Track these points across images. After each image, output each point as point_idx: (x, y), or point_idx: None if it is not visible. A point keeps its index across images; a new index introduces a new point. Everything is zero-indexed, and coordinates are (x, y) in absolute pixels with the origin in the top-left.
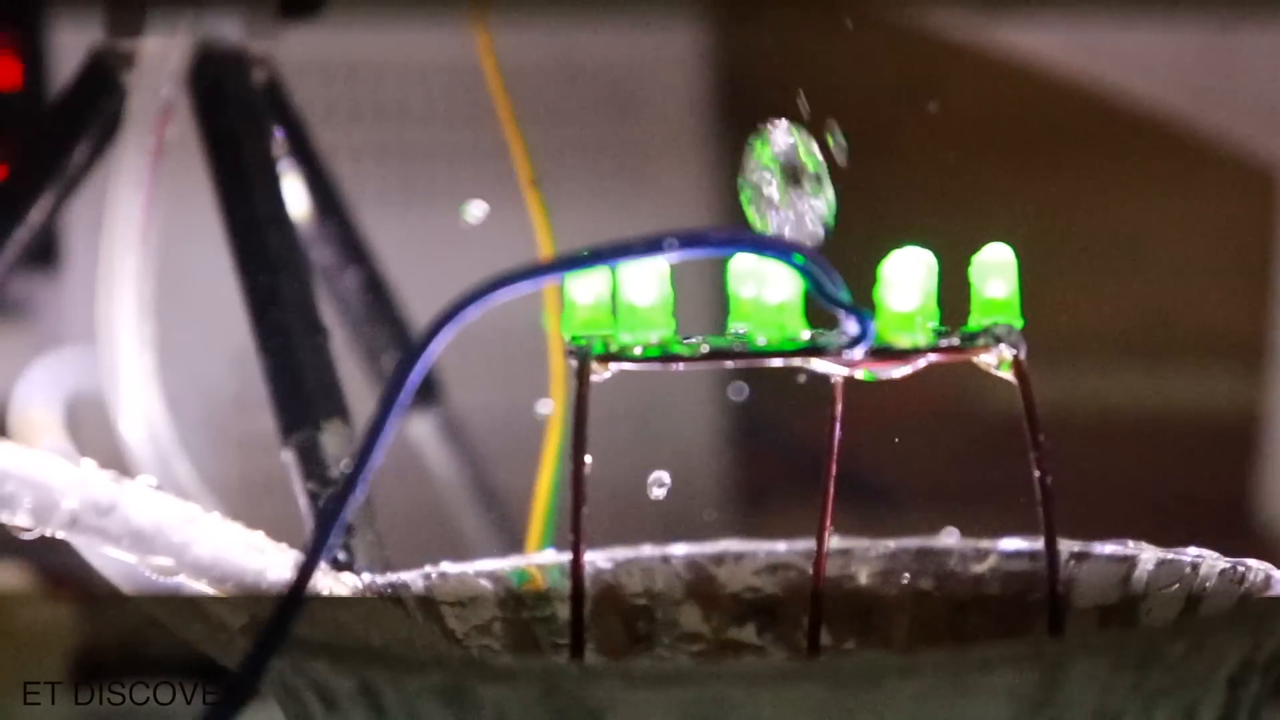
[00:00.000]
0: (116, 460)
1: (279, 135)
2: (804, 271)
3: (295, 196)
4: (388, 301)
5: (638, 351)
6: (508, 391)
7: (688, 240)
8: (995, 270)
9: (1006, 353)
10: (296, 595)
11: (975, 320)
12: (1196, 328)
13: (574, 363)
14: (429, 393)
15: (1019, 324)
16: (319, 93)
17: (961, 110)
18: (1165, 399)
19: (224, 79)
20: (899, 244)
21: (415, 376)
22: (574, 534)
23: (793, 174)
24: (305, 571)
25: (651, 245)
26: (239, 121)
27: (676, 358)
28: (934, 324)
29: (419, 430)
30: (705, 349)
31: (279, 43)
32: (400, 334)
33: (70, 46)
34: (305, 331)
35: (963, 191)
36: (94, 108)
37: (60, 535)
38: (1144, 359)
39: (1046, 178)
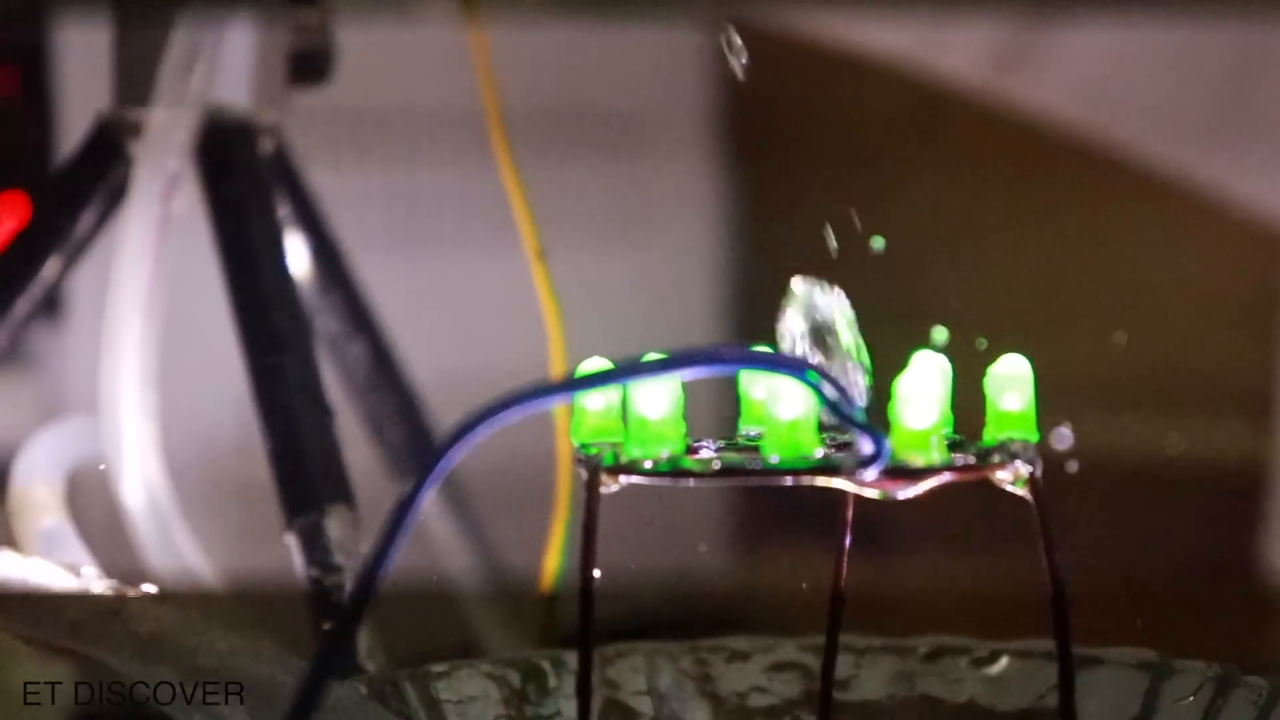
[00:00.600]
0: (117, 527)
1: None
2: (818, 390)
3: (301, 265)
4: (393, 371)
5: (648, 466)
6: (516, 464)
7: (701, 359)
8: (1011, 383)
9: (1023, 469)
10: (305, 708)
11: (990, 433)
12: (1203, 378)
13: (583, 472)
14: (429, 457)
15: (1034, 437)
16: (325, 139)
17: (970, 154)
18: (1171, 448)
19: (231, 150)
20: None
21: (425, 495)
22: (581, 647)
23: (820, 340)
24: (315, 682)
25: (665, 365)
26: (246, 194)
27: (688, 474)
28: (948, 432)
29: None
30: (717, 465)
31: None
32: (406, 403)
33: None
34: (310, 412)
35: (971, 235)
36: (101, 174)
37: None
38: (1150, 408)
39: (1055, 223)
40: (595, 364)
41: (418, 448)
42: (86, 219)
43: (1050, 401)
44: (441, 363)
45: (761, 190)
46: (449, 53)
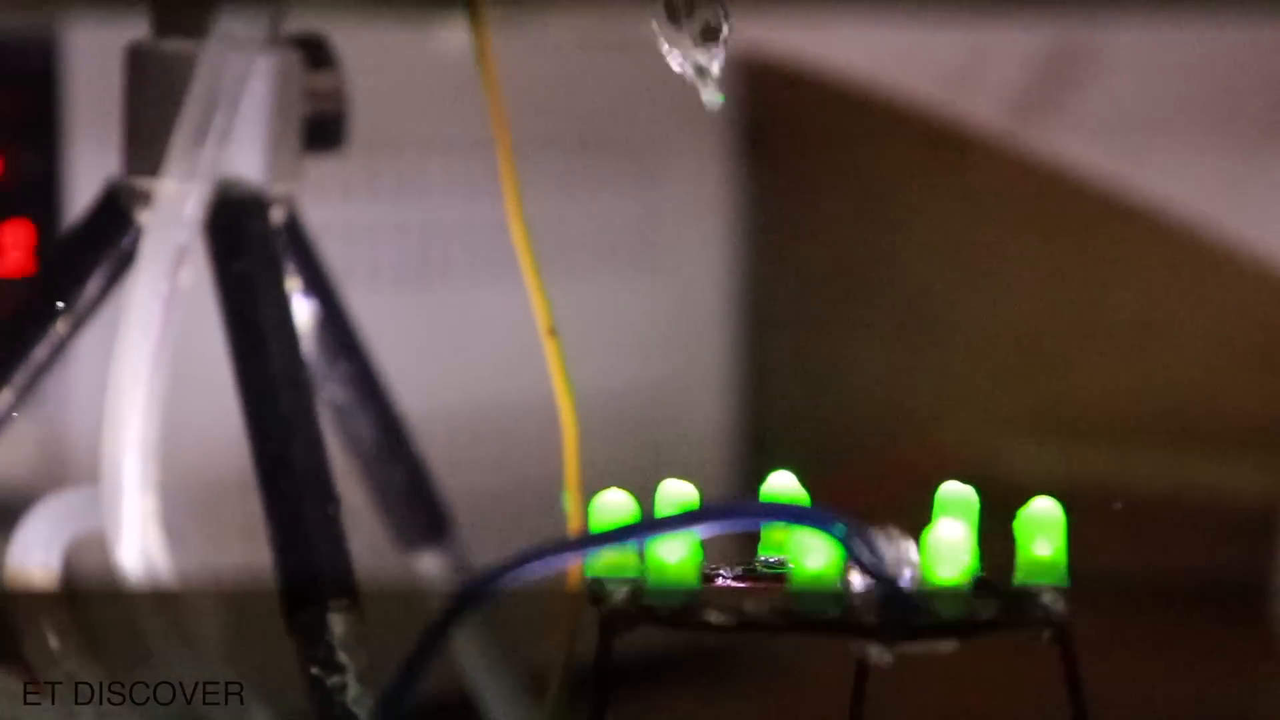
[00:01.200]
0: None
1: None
2: (847, 546)
3: (310, 335)
4: (402, 441)
5: (666, 613)
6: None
7: (726, 513)
8: (1042, 527)
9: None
10: None
11: (1020, 577)
12: (1216, 413)
13: (597, 613)
14: (438, 527)
15: (1065, 582)
16: (335, 168)
17: (989, 189)
18: (1182, 483)
19: (243, 225)
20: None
21: (435, 655)
22: None
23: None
24: None
25: (690, 519)
26: (256, 272)
27: (706, 626)
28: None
29: (426, 568)
30: (734, 619)
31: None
32: (414, 474)
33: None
34: (316, 501)
35: (986, 268)
36: (108, 241)
37: None
38: (1161, 442)
39: (1071, 259)
40: (613, 498)
41: (425, 520)
42: (92, 286)
43: (1063, 436)
44: (451, 395)
45: (774, 217)
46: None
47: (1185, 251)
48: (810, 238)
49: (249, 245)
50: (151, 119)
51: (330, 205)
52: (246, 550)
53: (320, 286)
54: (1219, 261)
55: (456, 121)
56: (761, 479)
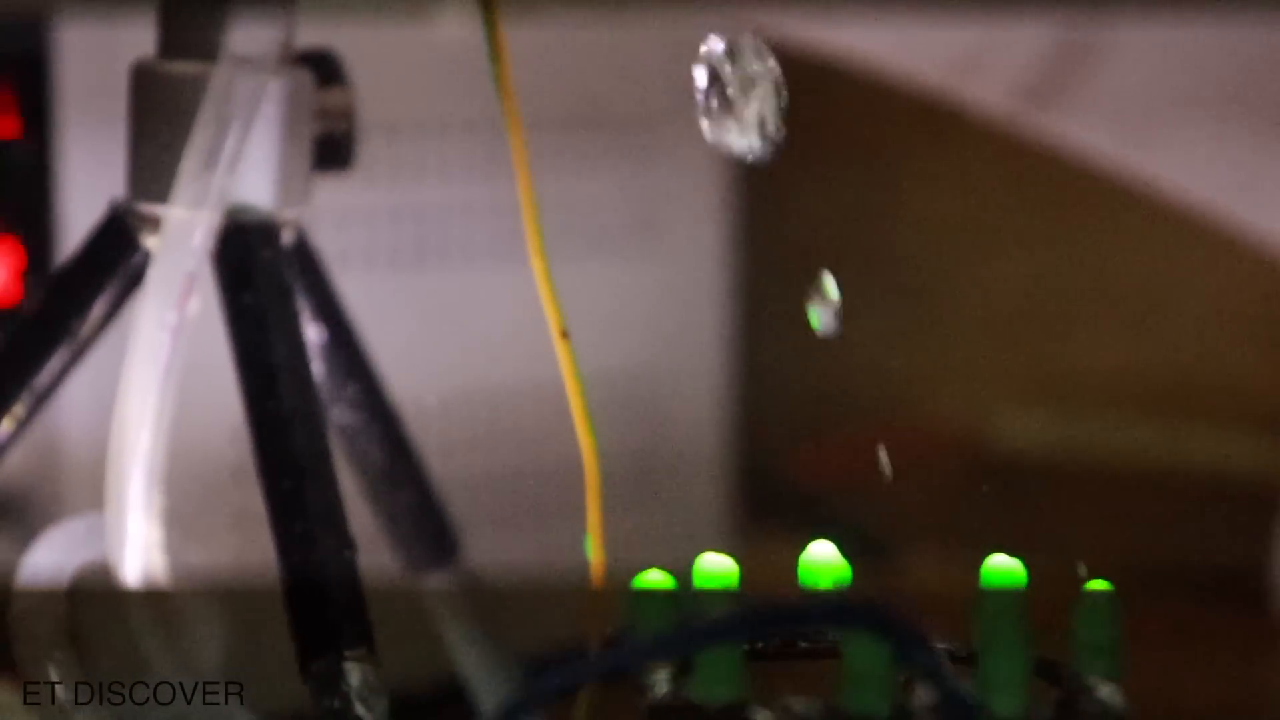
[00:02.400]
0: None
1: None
2: (892, 641)
3: (318, 358)
4: (411, 463)
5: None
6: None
7: (760, 621)
8: (1096, 614)
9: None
10: None
11: (1077, 663)
12: (1216, 388)
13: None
14: (446, 550)
15: (1118, 674)
16: None
17: (991, 168)
18: (1181, 456)
19: (252, 254)
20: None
21: None
22: None
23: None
24: None
25: (723, 630)
26: (266, 301)
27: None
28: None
29: (434, 590)
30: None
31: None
32: (422, 496)
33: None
34: (332, 547)
35: (985, 244)
36: (113, 266)
37: None
38: (1161, 414)
39: (1070, 232)
40: (651, 578)
41: (434, 542)
42: (96, 312)
43: (1062, 410)
44: (448, 379)
45: (772, 192)
46: (459, 61)
47: (1186, 225)
48: (807, 211)
49: (259, 275)
50: (158, 142)
51: (325, 189)
52: (241, 543)
53: (329, 308)
54: (1220, 236)
55: (452, 104)
56: (757, 456)
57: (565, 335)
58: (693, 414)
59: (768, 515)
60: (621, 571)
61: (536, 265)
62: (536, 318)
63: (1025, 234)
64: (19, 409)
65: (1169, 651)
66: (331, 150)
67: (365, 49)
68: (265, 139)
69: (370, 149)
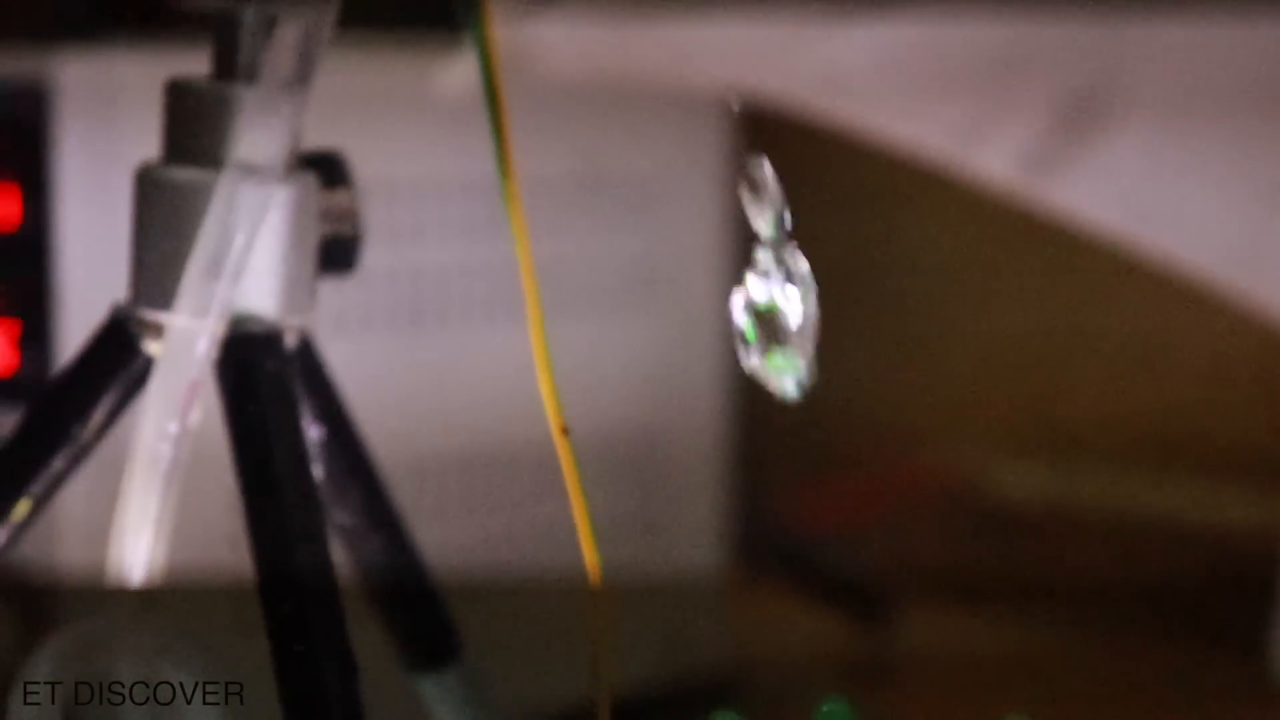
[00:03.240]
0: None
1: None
2: None
3: (319, 460)
4: (412, 565)
5: None
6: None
7: None
8: None
9: None
10: None
11: None
12: (1211, 440)
13: None
14: (447, 651)
15: None
16: None
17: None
18: (1179, 509)
19: (256, 363)
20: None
21: None
22: None
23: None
24: None
25: None
26: (270, 413)
27: None
28: None
29: (430, 694)
30: None
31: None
32: (424, 598)
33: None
34: (335, 671)
35: (980, 283)
36: (113, 372)
37: None
38: (1159, 467)
39: (1068, 277)
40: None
41: (434, 644)
42: (97, 416)
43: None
44: (443, 439)
45: None
46: (458, 119)
47: (1185, 284)
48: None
49: (262, 387)
50: (161, 248)
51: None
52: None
53: (332, 411)
54: (1218, 296)
55: (449, 163)
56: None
57: (566, 432)
58: (689, 464)
59: (762, 562)
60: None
61: (536, 343)
62: (533, 379)
63: (1025, 282)
64: (18, 513)
65: (1165, 703)
66: (336, 252)
67: (363, 105)
68: (270, 246)
69: (368, 208)
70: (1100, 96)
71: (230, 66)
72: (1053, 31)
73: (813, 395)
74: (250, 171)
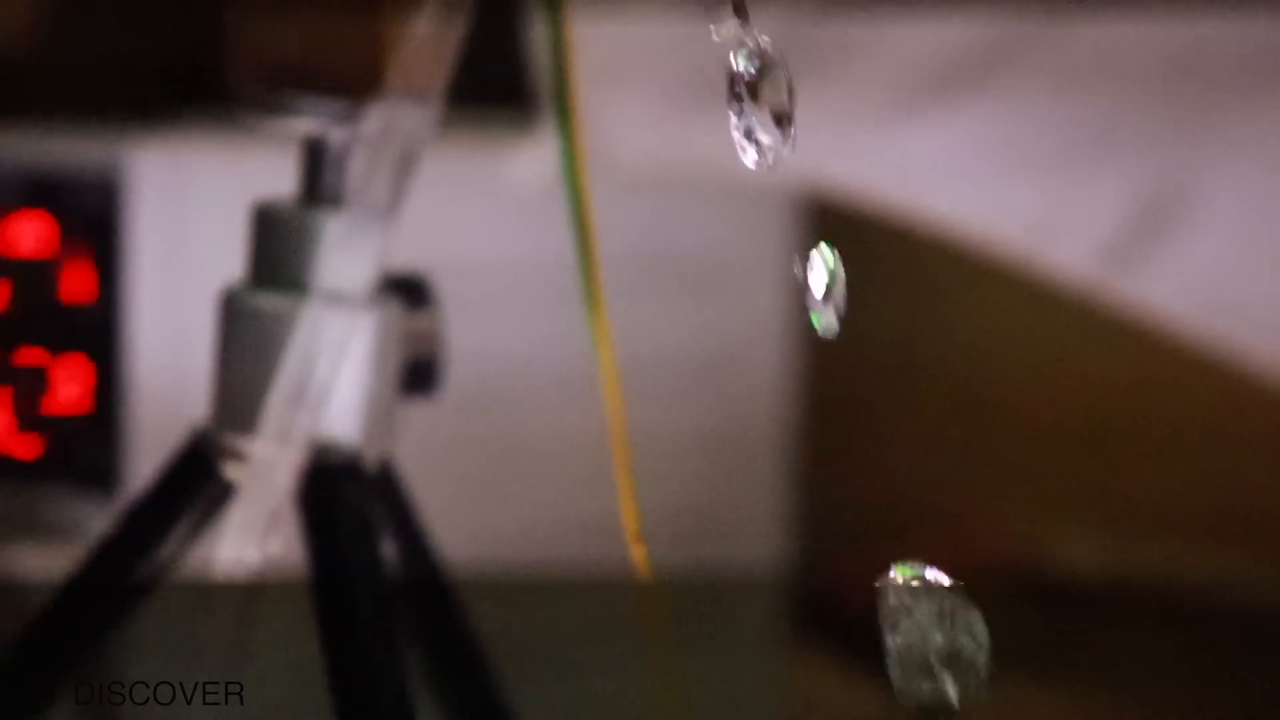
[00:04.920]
0: None
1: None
2: None
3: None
4: (486, 685)
5: None
6: None
7: None
8: None
9: None
10: None
11: None
12: (1269, 515)
13: None
14: None
15: None
16: None
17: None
18: (1237, 585)
19: (337, 494)
20: None
21: None
22: None
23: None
24: None
25: None
26: (350, 547)
27: None
28: None
29: None
30: None
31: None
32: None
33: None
34: None
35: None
36: (193, 495)
37: None
38: (1218, 542)
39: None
40: None
41: None
42: (174, 539)
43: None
44: (511, 520)
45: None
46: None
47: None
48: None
49: (343, 526)
50: (244, 373)
51: None
52: None
53: (410, 532)
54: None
55: (519, 244)
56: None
57: (639, 540)
58: (750, 535)
59: (819, 633)
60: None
61: (616, 448)
62: (602, 457)
63: (1087, 354)
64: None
65: None
66: (417, 375)
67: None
68: (353, 373)
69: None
70: (1179, 191)
71: (316, 190)
72: (1130, 124)
73: (873, 466)
74: (335, 298)
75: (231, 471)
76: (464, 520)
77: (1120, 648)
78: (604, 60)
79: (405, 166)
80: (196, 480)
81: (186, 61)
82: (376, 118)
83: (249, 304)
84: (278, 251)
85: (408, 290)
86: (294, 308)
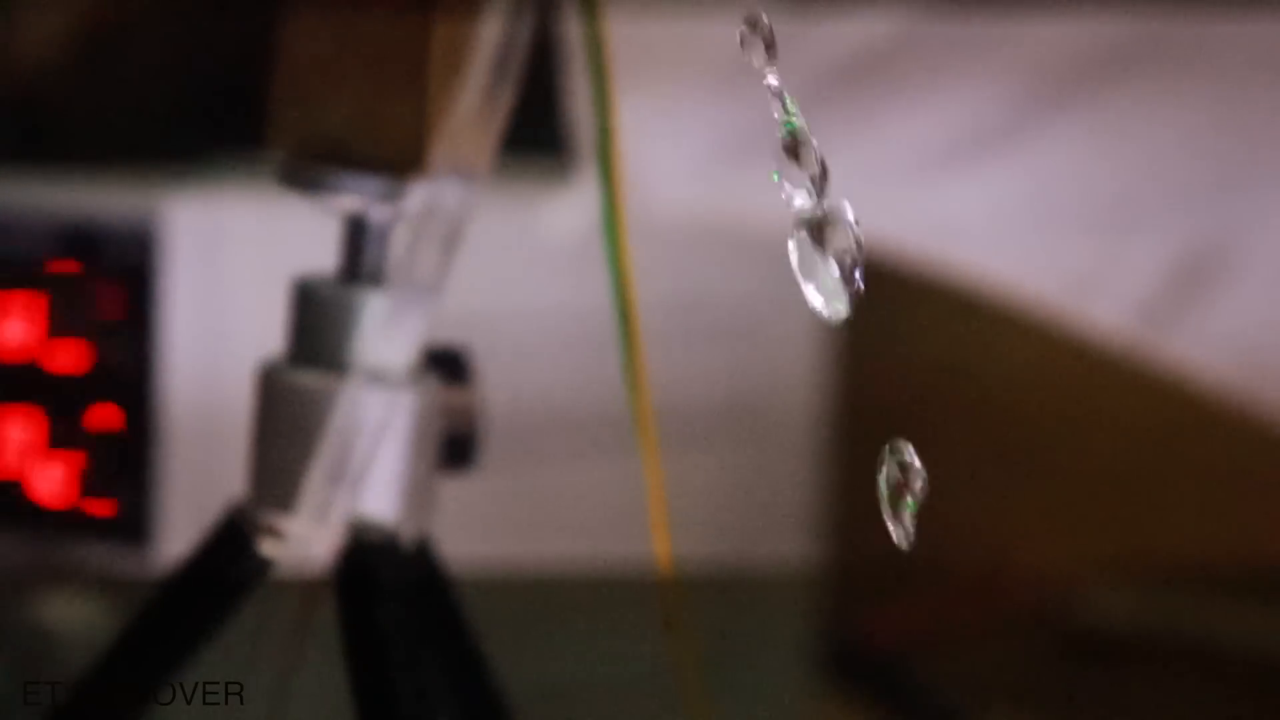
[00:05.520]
0: None
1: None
2: None
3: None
4: None
5: None
6: None
7: None
8: None
9: None
10: None
11: None
12: None
13: None
14: None
15: None
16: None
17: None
18: (1267, 639)
19: (375, 573)
20: None
21: None
22: None
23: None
24: None
25: None
26: (388, 628)
27: None
28: None
29: None
30: None
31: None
32: None
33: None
34: None
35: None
36: (226, 572)
37: None
38: (1249, 596)
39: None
40: None
41: None
42: (208, 615)
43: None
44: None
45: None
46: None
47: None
48: (899, 371)
49: (381, 608)
50: (282, 450)
51: None
52: None
53: (447, 609)
54: None
55: (549, 294)
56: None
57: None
58: (779, 583)
59: (850, 679)
60: None
61: (654, 498)
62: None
63: (1124, 405)
64: (129, 708)
65: None
66: (455, 451)
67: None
68: (392, 451)
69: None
70: (1219, 249)
71: (358, 267)
72: (1171, 181)
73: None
74: (376, 376)
75: (268, 548)
76: (494, 568)
77: (1153, 699)
78: (641, 112)
79: (449, 245)
80: (232, 557)
81: (222, 106)
82: (420, 196)
83: (287, 381)
84: (318, 328)
85: (447, 364)
86: (334, 385)
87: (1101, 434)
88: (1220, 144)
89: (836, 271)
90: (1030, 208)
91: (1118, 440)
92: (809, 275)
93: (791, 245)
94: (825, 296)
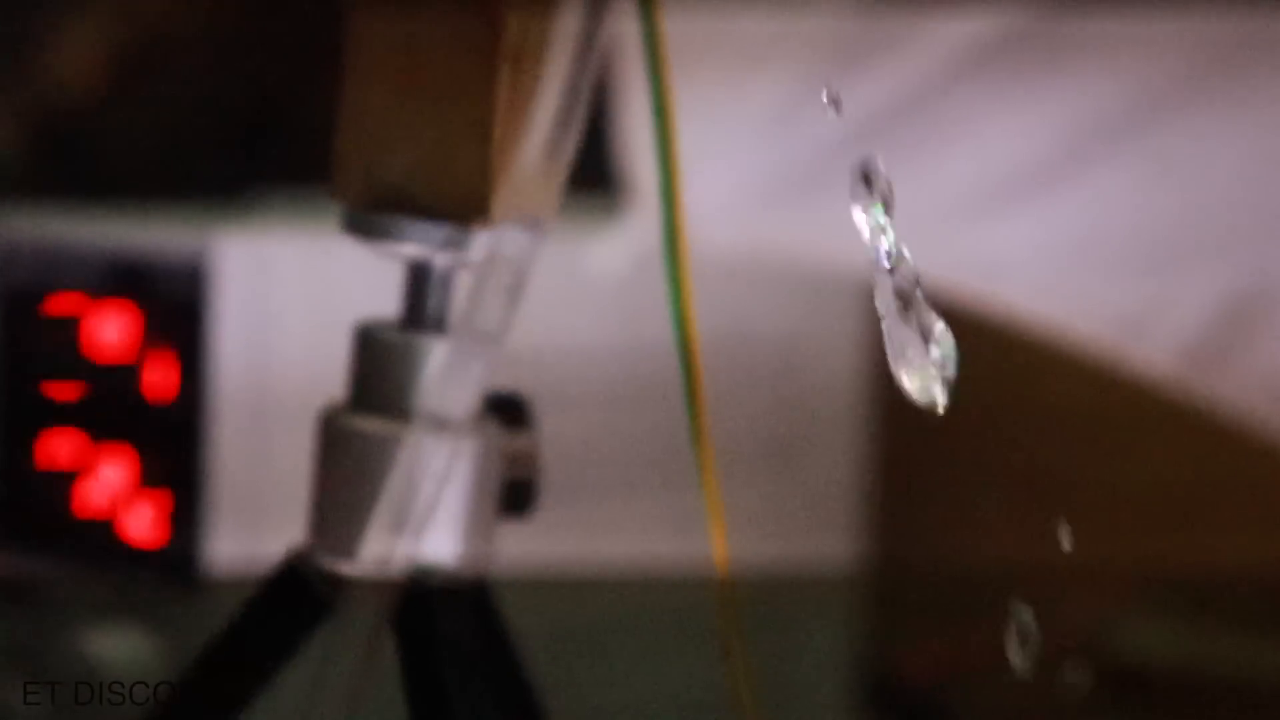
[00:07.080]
0: None
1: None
2: None
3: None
4: None
5: None
6: None
7: None
8: None
9: None
10: None
11: None
12: None
13: None
14: None
15: None
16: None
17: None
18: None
19: (436, 621)
20: None
21: None
22: None
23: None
24: None
25: None
26: (448, 674)
27: None
28: None
29: None
30: None
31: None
32: None
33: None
34: None
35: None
36: (285, 619)
37: None
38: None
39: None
40: None
41: None
42: (268, 663)
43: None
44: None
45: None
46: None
47: None
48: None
49: (441, 651)
50: (343, 497)
51: None
52: None
53: (506, 657)
54: None
55: (602, 331)
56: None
57: (729, 654)
58: (815, 615)
59: (885, 710)
60: None
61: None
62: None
63: (1157, 437)
64: None
65: None
66: (514, 497)
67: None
68: (453, 498)
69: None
70: (1266, 293)
71: (420, 315)
72: (1219, 220)
73: (945, 550)
74: (438, 424)
75: (328, 595)
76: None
77: None
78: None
79: (513, 293)
80: (292, 605)
81: (262, 139)
82: (484, 243)
83: (350, 428)
84: (380, 374)
85: (507, 410)
86: (396, 432)
87: (1146, 471)
88: (1269, 183)
89: (937, 354)
90: (1079, 247)
91: (1162, 476)
92: (900, 359)
93: (885, 327)
94: (922, 381)
